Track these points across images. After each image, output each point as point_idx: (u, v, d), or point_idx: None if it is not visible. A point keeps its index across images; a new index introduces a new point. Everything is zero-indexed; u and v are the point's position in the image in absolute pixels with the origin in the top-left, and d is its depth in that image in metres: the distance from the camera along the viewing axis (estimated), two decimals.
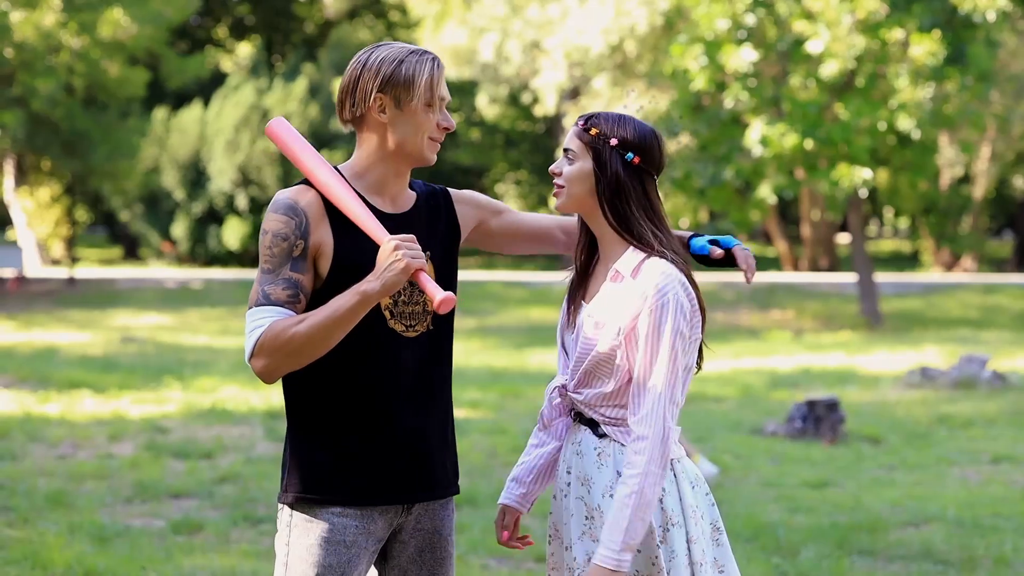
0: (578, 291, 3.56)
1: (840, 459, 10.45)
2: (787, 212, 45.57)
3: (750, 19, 22.16)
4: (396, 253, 3.24)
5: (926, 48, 21.30)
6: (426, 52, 3.48)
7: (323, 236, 3.42)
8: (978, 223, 40.43)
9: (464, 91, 42.98)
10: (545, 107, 34.00)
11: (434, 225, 3.57)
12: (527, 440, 11.24)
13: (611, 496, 3.40)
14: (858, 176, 21.85)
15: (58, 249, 40.13)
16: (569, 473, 3.54)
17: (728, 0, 22.17)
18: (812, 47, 21.62)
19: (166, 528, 7.70)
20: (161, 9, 29.74)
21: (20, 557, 6.84)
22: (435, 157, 3.51)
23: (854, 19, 21.54)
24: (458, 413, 12.22)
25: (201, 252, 39.31)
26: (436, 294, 3.27)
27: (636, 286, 3.37)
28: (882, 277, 31.33)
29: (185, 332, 21.70)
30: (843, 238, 47.93)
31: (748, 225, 25.48)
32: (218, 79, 41.48)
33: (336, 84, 39.63)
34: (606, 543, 3.29)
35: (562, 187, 3.47)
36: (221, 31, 49.60)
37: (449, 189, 3.69)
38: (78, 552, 6.97)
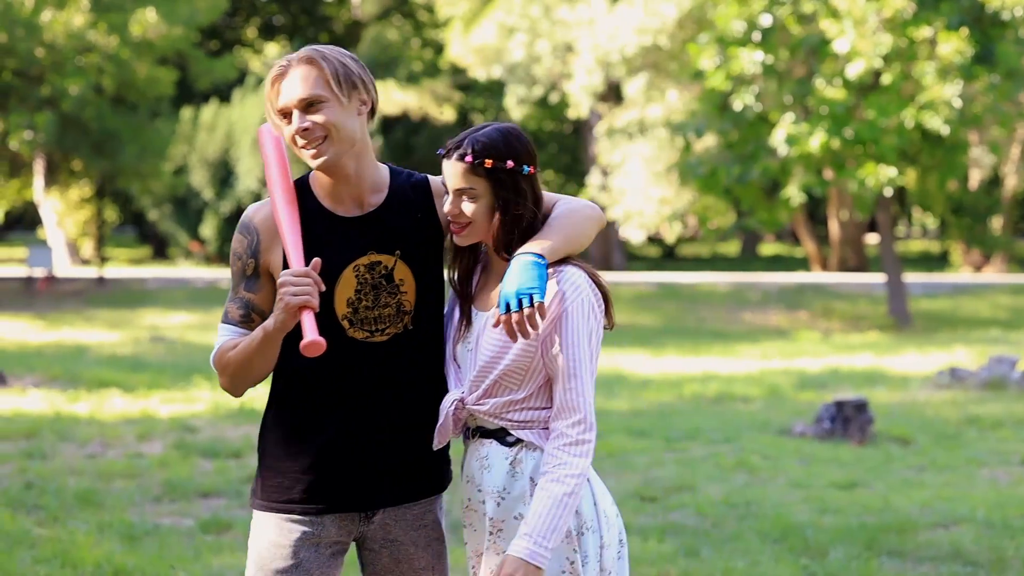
0: (467, 303, 3.48)
1: (869, 460, 10.41)
2: (815, 212, 45.42)
3: (766, 20, 22.12)
4: (279, 291, 3.21)
5: (954, 46, 21.21)
6: (285, 58, 3.39)
7: (275, 255, 3.43)
8: (1008, 223, 40.23)
9: (493, 91, 42.99)
10: (579, 111, 34.01)
11: (404, 222, 3.49)
12: None
13: (529, 502, 3.33)
14: (885, 175, 21.77)
15: (88, 249, 40.30)
16: (480, 490, 3.44)
17: (745, 1, 22.15)
18: (838, 46, 21.56)
19: (195, 527, 7.73)
20: (190, 10, 29.84)
21: (50, 555, 6.87)
22: (320, 160, 3.37)
23: (881, 17, 21.47)
24: None
25: (229, 251, 39.41)
26: (305, 337, 3.19)
27: (548, 291, 3.32)
28: (911, 277, 31.20)
29: (214, 332, 21.76)
30: (872, 238, 47.77)
31: (775, 225, 25.41)
32: (245, 79, 41.58)
33: None
34: (534, 537, 3.23)
35: (467, 225, 3.38)
36: (250, 31, 49.73)
37: (431, 179, 3.61)
38: (107, 551, 6.99)
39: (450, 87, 41.09)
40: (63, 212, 37.23)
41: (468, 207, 3.36)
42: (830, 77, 21.96)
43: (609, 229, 39.33)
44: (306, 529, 3.45)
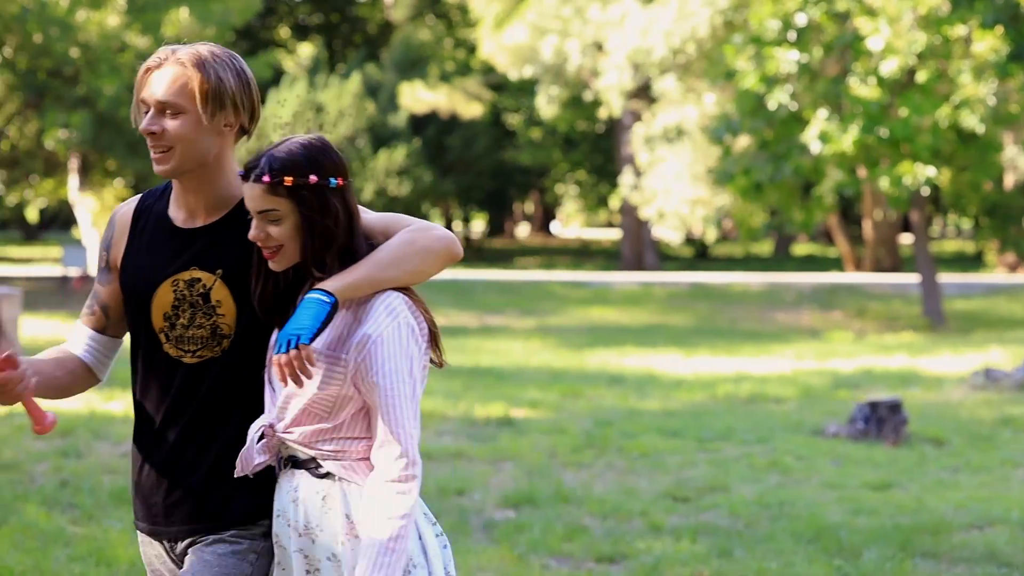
0: (280, 325, 3.17)
1: (903, 461, 10.36)
2: (849, 212, 45.26)
3: (801, 19, 22.06)
4: None
5: (989, 44, 21.11)
6: (170, 48, 3.21)
7: (119, 251, 3.34)
8: None
9: (524, 90, 43.00)
10: (610, 109, 33.99)
11: (235, 241, 3.20)
12: (587, 440, 11.13)
13: (346, 542, 3.08)
14: (920, 173, 21.68)
15: None
16: (289, 526, 3.15)
17: (779, 0, 22.10)
18: (872, 44, 21.47)
19: None
20: (224, 10, 29.97)
21: (85, 553, 6.91)
22: (159, 168, 3.20)
23: (915, 15, 21.38)
24: (517, 412, 12.23)
25: None
26: (35, 423, 3.11)
27: (364, 310, 3.09)
28: (945, 278, 31.05)
29: None
30: (906, 238, 47.56)
31: (809, 225, 25.30)
32: (280, 79, 41.73)
33: (397, 84, 39.85)
34: None
35: (277, 249, 3.09)
36: (283, 32, 49.89)
37: None
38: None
39: (481, 85, 41.11)
40: (98, 212, 37.38)
41: (273, 230, 3.07)
42: (864, 75, 21.88)
43: (642, 229, 39.29)
44: (144, 546, 3.36)
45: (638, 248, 40.15)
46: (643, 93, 34.92)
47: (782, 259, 47.52)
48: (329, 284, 3.04)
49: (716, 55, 28.49)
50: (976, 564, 7.18)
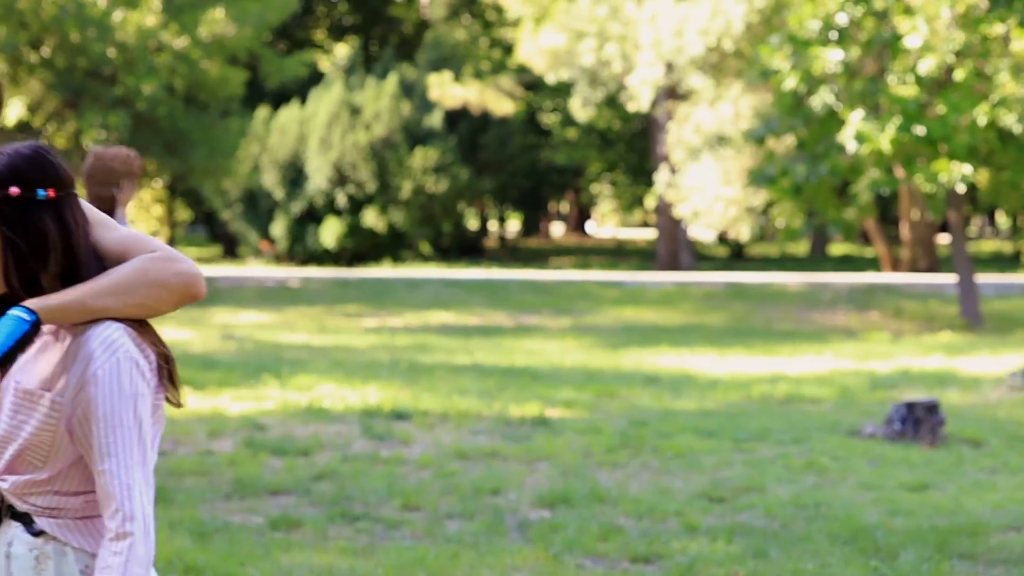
0: None
1: (940, 462, 10.32)
2: (886, 212, 45.07)
3: (842, 18, 21.98)
4: None
5: None
6: None
7: None
8: None
9: (560, 92, 42.98)
10: (639, 104, 33.93)
11: None
12: (622, 440, 11.15)
13: None
14: (958, 172, 21.57)
15: None
16: None
17: (819, 0, 22.03)
18: (910, 42, 21.38)
19: (264, 524, 7.78)
20: (261, 10, 30.08)
21: None
22: None
23: (954, 13, 21.27)
24: (552, 412, 12.23)
25: (299, 251, 39.70)
26: None
27: (79, 345, 2.72)
28: (983, 278, 30.87)
29: (283, 330, 21.91)
30: (943, 238, 47.33)
31: (848, 226, 25.11)
32: (317, 79, 41.88)
33: (431, 82, 39.92)
34: None
35: None
36: (320, 31, 50.03)
37: None
38: (178, 547, 7.06)
39: (515, 83, 41.14)
40: (135, 211, 37.60)
41: None
42: (902, 74, 21.78)
43: (677, 229, 39.23)
44: None
45: (673, 248, 40.09)
46: (677, 92, 34.87)
47: (818, 259, 47.35)
48: (34, 302, 2.69)
49: (751, 54, 28.42)
50: (1014, 566, 7.14)
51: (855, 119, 21.80)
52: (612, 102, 39.14)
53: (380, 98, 38.93)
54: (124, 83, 27.88)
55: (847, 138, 21.83)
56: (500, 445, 10.45)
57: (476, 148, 41.44)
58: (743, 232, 33.32)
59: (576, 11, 33.93)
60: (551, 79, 37.03)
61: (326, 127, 38.36)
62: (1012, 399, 13.91)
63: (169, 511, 7.99)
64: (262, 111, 38.99)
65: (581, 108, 36.67)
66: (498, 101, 39.91)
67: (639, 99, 33.35)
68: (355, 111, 38.89)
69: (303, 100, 40.46)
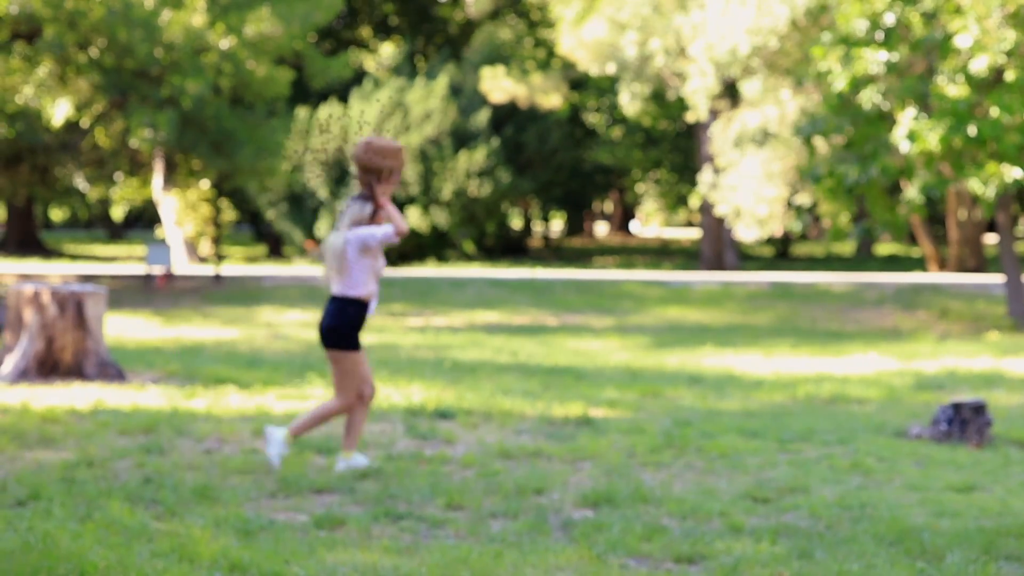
0: None
1: (987, 463, 10.24)
2: (933, 211, 44.81)
3: (889, 18, 21.85)
4: None
5: None
6: None
7: None
8: None
9: (604, 89, 42.90)
10: (698, 114, 33.94)
11: None
12: (666, 440, 11.13)
13: None
14: (1007, 173, 21.42)
15: (205, 247, 40.93)
16: None
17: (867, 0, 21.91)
18: (961, 41, 21.23)
19: (309, 523, 7.80)
20: (307, 10, 30.19)
21: (168, 550, 6.98)
22: None
23: (1004, 12, 21.11)
24: (596, 412, 12.22)
25: None
26: None
27: None
28: None
29: None
30: (990, 238, 46.97)
31: (899, 227, 24.88)
32: (358, 78, 41.97)
33: (479, 83, 39.94)
34: None
35: None
36: (365, 31, 50.14)
37: None
38: (224, 545, 7.08)
39: (560, 80, 41.12)
40: (181, 210, 37.81)
41: None
42: (952, 74, 21.64)
43: (722, 228, 39.12)
44: None
45: (718, 247, 39.97)
46: (724, 92, 34.76)
47: (864, 259, 47.11)
48: None
49: (801, 54, 28.29)
50: None
51: (907, 118, 21.67)
52: (658, 99, 39.03)
53: (430, 98, 38.97)
54: (171, 83, 28.03)
55: (899, 138, 21.69)
56: (544, 444, 10.44)
57: (520, 148, 41.45)
58: (793, 226, 33.15)
59: (619, 3, 33.89)
60: (595, 72, 36.96)
61: (374, 128, 38.44)
62: None
63: (214, 509, 8.03)
64: (304, 110, 39.07)
65: (629, 102, 36.57)
66: (546, 95, 39.87)
67: (697, 109, 33.30)
68: (406, 112, 38.99)
69: (344, 100, 40.55)
